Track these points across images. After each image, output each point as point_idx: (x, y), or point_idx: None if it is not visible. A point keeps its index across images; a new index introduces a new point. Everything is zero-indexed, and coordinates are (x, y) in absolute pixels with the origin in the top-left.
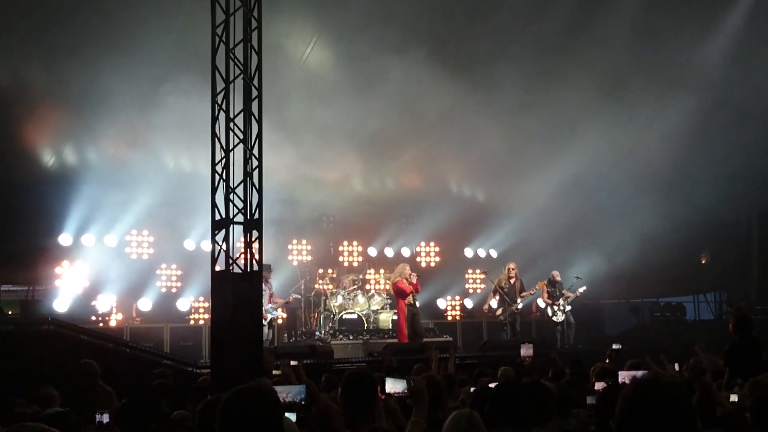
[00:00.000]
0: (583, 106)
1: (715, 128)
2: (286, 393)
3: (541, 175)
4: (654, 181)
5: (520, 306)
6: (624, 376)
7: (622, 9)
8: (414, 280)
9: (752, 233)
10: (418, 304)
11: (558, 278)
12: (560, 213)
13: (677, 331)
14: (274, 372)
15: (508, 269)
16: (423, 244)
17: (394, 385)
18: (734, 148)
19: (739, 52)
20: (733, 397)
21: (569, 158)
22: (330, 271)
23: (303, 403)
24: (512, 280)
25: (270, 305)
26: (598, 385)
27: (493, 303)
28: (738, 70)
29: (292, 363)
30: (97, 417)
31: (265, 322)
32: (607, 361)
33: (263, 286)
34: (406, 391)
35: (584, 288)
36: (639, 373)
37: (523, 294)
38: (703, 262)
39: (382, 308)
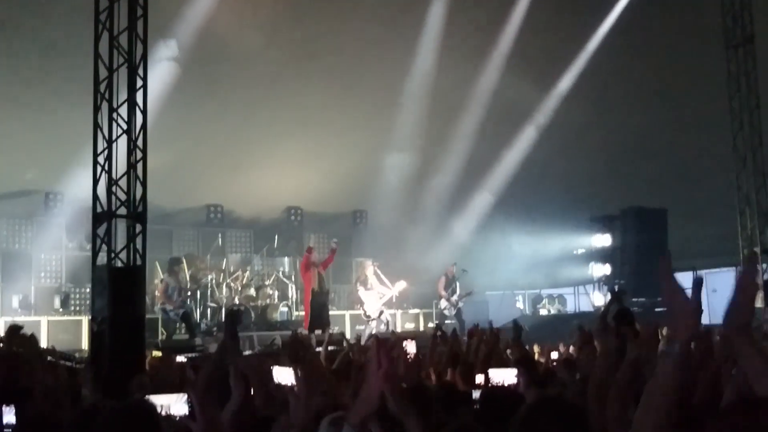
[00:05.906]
0: None
1: None
2: (168, 404)
3: None
4: None
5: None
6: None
7: None
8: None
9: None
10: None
11: (453, 273)
12: None
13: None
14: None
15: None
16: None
17: (280, 374)
18: None
19: None
20: None
21: None
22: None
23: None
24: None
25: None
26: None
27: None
28: None
29: (179, 359)
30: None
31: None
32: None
33: (174, 280)
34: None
35: (472, 292)
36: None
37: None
38: None
39: (272, 301)
